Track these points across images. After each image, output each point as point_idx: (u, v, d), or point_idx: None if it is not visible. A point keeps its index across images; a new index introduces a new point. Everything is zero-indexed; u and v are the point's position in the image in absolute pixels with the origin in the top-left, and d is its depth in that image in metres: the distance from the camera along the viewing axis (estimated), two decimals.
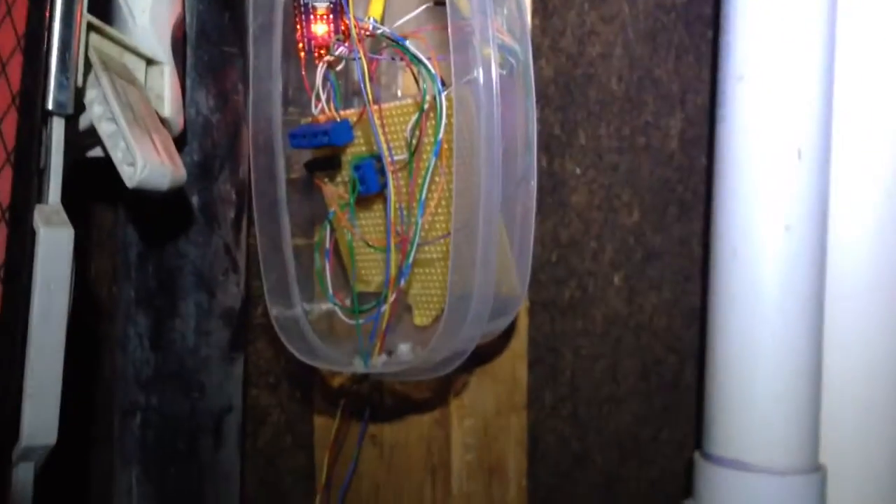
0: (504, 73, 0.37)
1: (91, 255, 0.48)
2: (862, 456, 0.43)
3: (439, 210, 0.38)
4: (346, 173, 0.41)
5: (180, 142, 0.40)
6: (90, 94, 0.32)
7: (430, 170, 0.37)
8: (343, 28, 0.39)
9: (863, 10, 0.42)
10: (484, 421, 0.46)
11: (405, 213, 0.38)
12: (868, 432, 0.42)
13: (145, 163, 0.31)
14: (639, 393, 0.51)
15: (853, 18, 0.42)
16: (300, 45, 0.40)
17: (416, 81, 0.37)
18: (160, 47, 0.37)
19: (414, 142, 0.38)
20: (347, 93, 0.42)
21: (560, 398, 0.50)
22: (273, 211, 0.41)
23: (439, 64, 0.36)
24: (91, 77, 0.32)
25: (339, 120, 0.39)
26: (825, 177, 0.41)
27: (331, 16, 0.39)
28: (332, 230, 0.43)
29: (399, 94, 0.43)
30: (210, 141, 0.41)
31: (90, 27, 0.32)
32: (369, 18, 0.38)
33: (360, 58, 0.37)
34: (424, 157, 0.37)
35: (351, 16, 0.37)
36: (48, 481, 0.31)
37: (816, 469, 0.41)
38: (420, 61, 0.36)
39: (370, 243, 0.41)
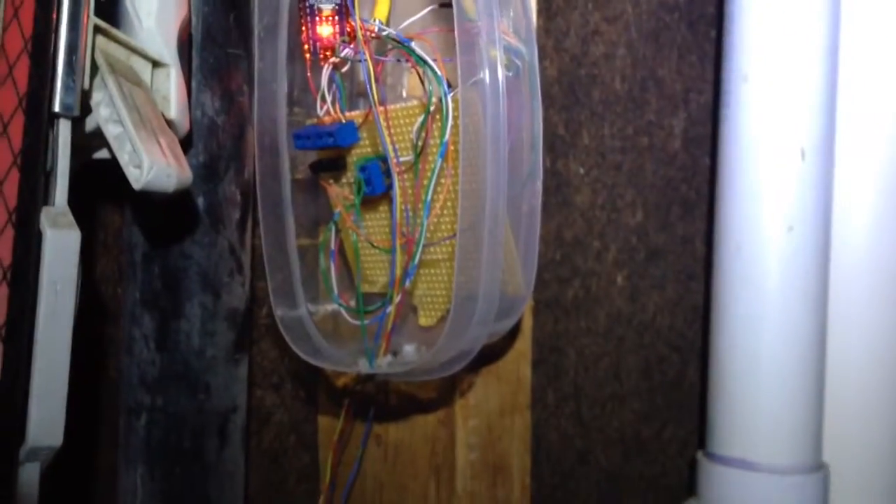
0: (510, 74, 0.37)
1: (96, 255, 0.48)
2: (865, 455, 0.43)
3: (445, 211, 0.38)
4: (351, 174, 0.41)
5: (186, 143, 0.40)
6: (97, 97, 0.32)
7: (436, 171, 0.37)
8: (349, 30, 0.39)
9: (867, 10, 0.42)
10: (488, 421, 0.46)
11: (411, 214, 0.38)
12: (871, 431, 0.43)
13: (152, 164, 0.31)
14: (642, 392, 0.51)
15: (857, 19, 0.42)
16: (305, 46, 0.40)
17: (422, 83, 0.37)
18: (166, 49, 0.37)
19: (420, 143, 0.38)
20: (353, 94, 0.42)
21: (563, 397, 0.50)
22: (278, 212, 0.41)
23: (445, 66, 0.36)
24: (98, 79, 0.32)
25: (344, 121, 0.39)
26: (829, 177, 0.41)
27: (336, 17, 0.39)
28: (338, 231, 0.43)
29: (405, 95, 0.42)
30: (215, 142, 0.41)
31: (97, 30, 0.32)
32: (375, 20, 0.38)
33: (365, 59, 0.37)
34: (430, 158, 0.37)
35: (357, 17, 0.37)
36: (53, 481, 0.31)
37: (819, 468, 0.41)
38: (426, 63, 0.36)
39: (375, 244, 0.41)
